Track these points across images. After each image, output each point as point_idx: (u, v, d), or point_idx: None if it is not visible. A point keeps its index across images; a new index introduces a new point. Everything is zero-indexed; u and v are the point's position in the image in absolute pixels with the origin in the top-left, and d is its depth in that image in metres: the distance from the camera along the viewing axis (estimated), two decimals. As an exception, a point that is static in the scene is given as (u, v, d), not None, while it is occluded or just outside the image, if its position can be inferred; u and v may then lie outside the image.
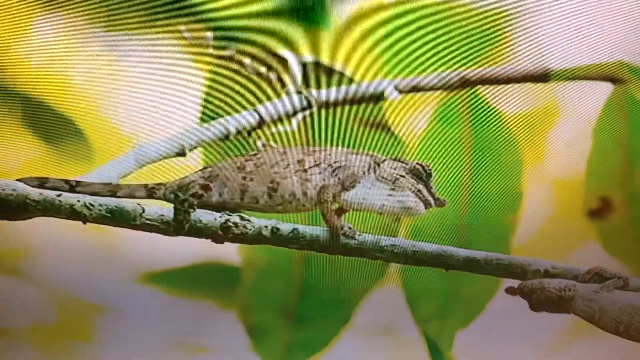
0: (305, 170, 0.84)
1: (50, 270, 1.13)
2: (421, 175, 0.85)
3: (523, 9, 0.99)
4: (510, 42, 0.99)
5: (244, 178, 0.84)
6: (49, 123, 1.00)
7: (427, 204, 0.86)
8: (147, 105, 0.97)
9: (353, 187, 0.84)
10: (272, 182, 0.83)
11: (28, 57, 0.97)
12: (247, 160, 0.84)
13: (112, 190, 0.84)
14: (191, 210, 0.84)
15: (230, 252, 1.08)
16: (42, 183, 0.83)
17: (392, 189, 0.85)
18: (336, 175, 0.84)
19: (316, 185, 0.84)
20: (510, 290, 0.89)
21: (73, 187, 0.84)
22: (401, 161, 0.85)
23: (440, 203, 0.86)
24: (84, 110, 1.00)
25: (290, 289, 1.07)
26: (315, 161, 0.84)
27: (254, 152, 0.86)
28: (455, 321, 1.10)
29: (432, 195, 0.85)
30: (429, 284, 1.07)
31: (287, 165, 0.84)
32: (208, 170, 0.85)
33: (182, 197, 0.84)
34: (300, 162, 0.84)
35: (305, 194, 0.84)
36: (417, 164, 0.84)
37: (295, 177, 0.84)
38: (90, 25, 0.94)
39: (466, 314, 1.10)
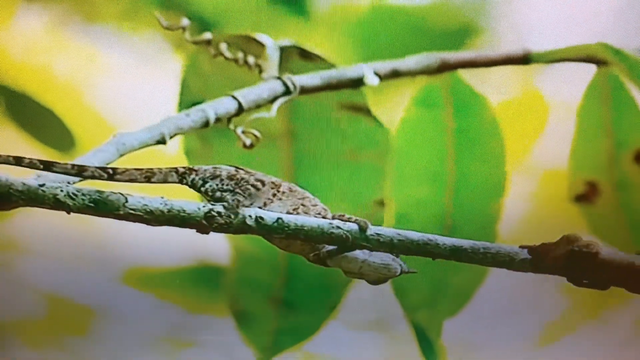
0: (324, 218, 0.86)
1: (38, 266, 1.13)
2: None
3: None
4: (491, 30, 0.99)
5: (274, 195, 0.85)
6: (31, 114, 1.00)
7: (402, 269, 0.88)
8: (128, 94, 0.97)
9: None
10: (295, 209, 0.84)
11: (9, 49, 0.98)
12: (283, 182, 0.86)
13: (147, 176, 0.84)
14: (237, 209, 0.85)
15: (219, 249, 1.08)
16: (80, 171, 0.83)
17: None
18: None
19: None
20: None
21: (111, 175, 0.83)
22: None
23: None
24: (65, 101, 1.00)
25: (276, 275, 1.07)
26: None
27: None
28: (443, 309, 1.10)
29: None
30: (416, 272, 1.06)
31: (316, 205, 0.85)
32: (242, 171, 0.86)
33: (229, 190, 0.85)
34: (323, 216, 0.85)
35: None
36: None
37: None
38: (70, 17, 0.94)
39: (455, 302, 1.10)
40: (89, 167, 0.82)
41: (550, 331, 1.12)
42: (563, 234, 1.03)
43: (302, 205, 0.87)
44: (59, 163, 0.81)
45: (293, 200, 0.86)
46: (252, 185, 0.84)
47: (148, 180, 0.85)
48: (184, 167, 0.86)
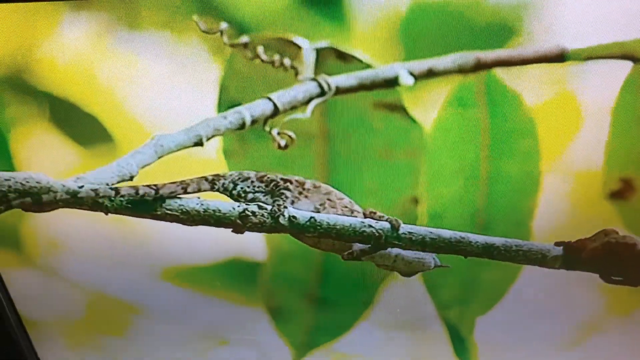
0: (352, 212, 0.87)
1: (76, 266, 1.16)
2: None
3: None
4: (528, 29, 0.99)
5: (300, 193, 0.86)
6: (75, 121, 1.03)
7: (435, 263, 0.88)
8: (168, 99, 0.99)
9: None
10: (322, 204, 0.86)
11: (54, 57, 1.00)
12: (307, 179, 0.88)
13: (184, 187, 0.87)
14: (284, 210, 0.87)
15: (255, 247, 1.09)
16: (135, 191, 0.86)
17: None
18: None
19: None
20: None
21: (156, 191, 0.87)
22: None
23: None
24: (107, 107, 1.02)
25: (311, 272, 1.08)
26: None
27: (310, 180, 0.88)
28: (476, 307, 1.10)
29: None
30: (449, 270, 1.07)
31: (342, 199, 0.86)
32: (271, 175, 0.88)
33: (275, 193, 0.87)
34: (350, 209, 0.86)
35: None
36: None
37: (339, 212, 0.87)
38: (113, 26, 0.96)
39: (487, 299, 1.10)
40: (139, 187, 0.85)
41: (583, 331, 1.12)
42: (597, 230, 1.03)
43: (328, 200, 0.88)
44: (122, 188, 0.85)
45: (319, 197, 0.87)
46: (284, 187, 0.86)
47: (185, 191, 0.87)
48: (212, 175, 0.88)
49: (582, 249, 0.88)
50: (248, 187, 0.88)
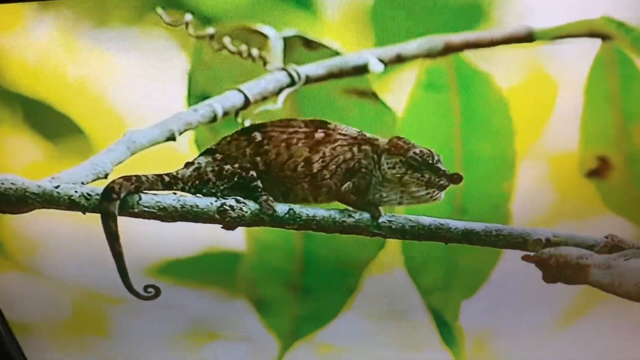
0: (315, 176, 0.84)
1: (60, 266, 1.16)
2: (421, 165, 0.83)
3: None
4: (496, 10, 0.99)
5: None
6: (48, 121, 1.03)
7: (442, 188, 0.86)
8: (139, 94, 0.99)
9: (367, 188, 0.84)
10: (283, 187, 0.85)
11: (23, 57, 1.00)
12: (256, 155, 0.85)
13: (137, 187, 0.86)
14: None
15: (234, 237, 1.09)
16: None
17: (402, 188, 0.85)
18: (348, 178, 0.84)
19: (328, 192, 0.85)
20: (526, 258, 0.89)
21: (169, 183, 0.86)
22: (396, 154, 0.83)
23: (455, 180, 0.85)
24: (80, 106, 1.02)
25: (292, 262, 1.08)
26: (322, 162, 0.84)
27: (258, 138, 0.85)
28: (459, 291, 1.10)
29: (445, 175, 0.85)
30: (430, 255, 1.07)
31: (296, 168, 0.84)
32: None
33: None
34: (308, 162, 0.84)
35: (316, 199, 0.85)
36: (413, 153, 0.83)
37: (305, 184, 0.84)
38: (80, 23, 0.97)
39: (470, 283, 1.10)
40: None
41: (568, 313, 1.12)
42: (578, 210, 1.03)
43: (286, 177, 0.86)
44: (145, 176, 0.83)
45: (277, 178, 0.85)
46: (250, 179, 0.85)
47: (137, 190, 0.86)
48: (169, 177, 0.86)
49: (547, 262, 0.89)
50: (213, 189, 0.87)
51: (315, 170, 0.83)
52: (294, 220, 0.90)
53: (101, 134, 1.02)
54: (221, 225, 0.90)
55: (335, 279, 1.10)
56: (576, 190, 1.04)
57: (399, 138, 0.84)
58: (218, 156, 0.86)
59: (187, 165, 0.86)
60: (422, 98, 0.99)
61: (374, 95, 0.98)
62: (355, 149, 0.84)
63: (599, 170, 1.03)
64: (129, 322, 1.20)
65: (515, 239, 0.94)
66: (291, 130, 0.84)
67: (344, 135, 0.84)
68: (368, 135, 0.86)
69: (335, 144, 0.83)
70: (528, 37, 0.96)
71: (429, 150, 0.83)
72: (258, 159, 0.85)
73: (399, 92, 0.99)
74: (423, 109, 0.99)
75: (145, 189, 0.84)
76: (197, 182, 0.86)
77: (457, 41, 0.97)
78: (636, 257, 0.86)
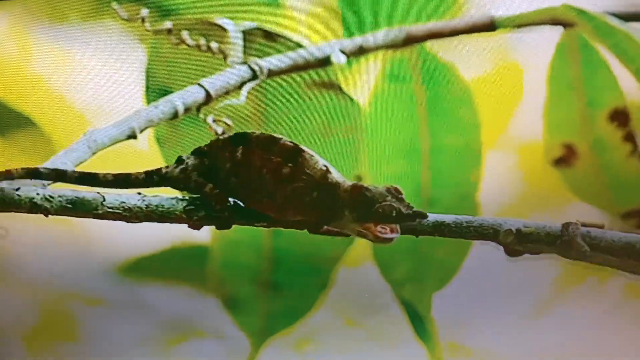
0: (279, 208, 0.81)
1: (26, 269, 1.14)
2: (387, 218, 0.78)
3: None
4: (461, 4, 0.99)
5: None
6: (6, 122, 1.01)
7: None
8: (99, 91, 0.98)
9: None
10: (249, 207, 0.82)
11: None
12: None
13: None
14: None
15: (202, 234, 1.08)
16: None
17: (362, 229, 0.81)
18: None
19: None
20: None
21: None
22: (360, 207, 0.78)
23: (421, 216, 0.81)
24: (38, 105, 1.00)
25: (261, 258, 1.07)
26: (285, 198, 0.80)
27: None
28: (430, 283, 1.10)
29: (410, 217, 0.79)
30: (400, 247, 1.06)
31: (261, 201, 0.81)
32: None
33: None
34: (272, 196, 0.81)
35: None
36: (379, 209, 0.77)
37: (271, 213, 0.81)
38: (34, 20, 0.95)
39: (441, 275, 1.10)
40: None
41: (542, 301, 1.13)
42: (545, 199, 1.03)
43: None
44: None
45: None
46: (200, 184, 0.81)
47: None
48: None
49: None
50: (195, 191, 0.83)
51: (278, 204, 0.80)
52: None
53: (63, 131, 1.00)
54: (187, 225, 0.88)
55: (306, 275, 1.09)
56: (543, 178, 1.05)
57: (361, 188, 0.79)
58: (205, 161, 0.83)
59: (178, 162, 0.82)
60: (386, 89, 0.99)
61: (338, 88, 0.97)
62: (314, 194, 0.80)
63: (565, 158, 1.04)
64: (99, 325, 1.18)
65: (486, 230, 0.94)
66: (266, 157, 0.80)
67: (308, 174, 0.79)
68: (332, 177, 0.79)
69: (298, 184, 0.79)
70: (490, 26, 0.96)
71: (393, 203, 0.77)
72: (233, 179, 0.82)
73: (363, 84, 0.98)
74: (387, 100, 0.99)
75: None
76: (182, 185, 0.84)
77: (419, 32, 0.96)
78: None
